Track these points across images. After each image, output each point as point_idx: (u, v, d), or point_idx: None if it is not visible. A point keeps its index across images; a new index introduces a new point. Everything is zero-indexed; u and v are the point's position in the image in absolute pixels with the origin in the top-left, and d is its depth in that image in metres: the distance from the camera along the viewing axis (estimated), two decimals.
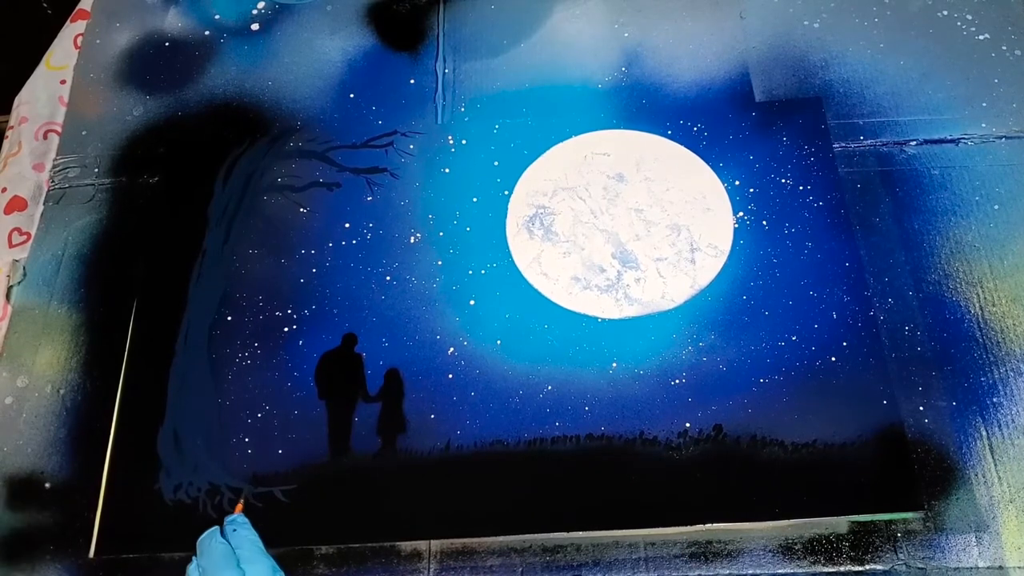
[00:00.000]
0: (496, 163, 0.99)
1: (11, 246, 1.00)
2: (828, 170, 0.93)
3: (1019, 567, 0.75)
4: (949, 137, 0.95)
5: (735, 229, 0.92)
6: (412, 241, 0.95)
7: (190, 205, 1.00)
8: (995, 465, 0.79)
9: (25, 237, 1.01)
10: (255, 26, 1.14)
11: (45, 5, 1.48)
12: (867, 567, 0.76)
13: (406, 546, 0.82)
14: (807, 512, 0.77)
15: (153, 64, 1.12)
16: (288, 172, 1.01)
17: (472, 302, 0.90)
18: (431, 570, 0.80)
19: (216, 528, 0.72)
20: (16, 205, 1.03)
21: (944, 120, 0.96)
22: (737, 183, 0.94)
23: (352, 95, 1.06)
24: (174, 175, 1.03)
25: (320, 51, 1.11)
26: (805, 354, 0.84)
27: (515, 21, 1.10)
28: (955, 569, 0.76)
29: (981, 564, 0.75)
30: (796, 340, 0.85)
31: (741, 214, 0.92)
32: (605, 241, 0.93)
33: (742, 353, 0.85)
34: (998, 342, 0.84)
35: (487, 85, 1.05)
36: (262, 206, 0.99)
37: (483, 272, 0.92)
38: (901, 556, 0.76)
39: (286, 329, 0.91)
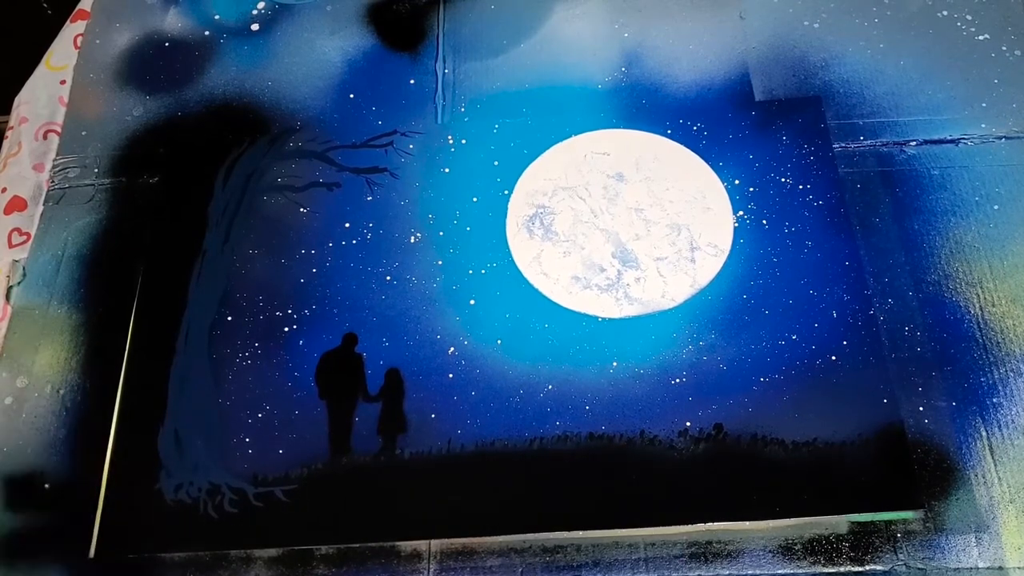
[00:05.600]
0: (496, 163, 0.99)
1: (11, 246, 1.00)
2: (828, 169, 0.93)
3: (1019, 567, 0.75)
4: (949, 137, 0.95)
5: (735, 228, 0.92)
6: (412, 241, 0.95)
7: (190, 205, 1.00)
8: (995, 465, 0.79)
9: (25, 237, 1.01)
10: (255, 26, 1.14)
11: (45, 5, 1.48)
12: (867, 567, 0.76)
13: (406, 546, 0.82)
14: (807, 511, 0.77)
15: (153, 64, 1.12)
16: (288, 172, 1.01)
17: (472, 302, 0.90)
18: (431, 570, 0.80)
19: None
20: (16, 205, 1.03)
21: (944, 120, 0.96)
22: (737, 182, 0.94)
23: (352, 95, 1.06)
24: (174, 175, 1.02)
25: (320, 51, 1.11)
26: (805, 353, 0.84)
27: (515, 21, 1.10)
28: (955, 569, 0.75)
29: (981, 564, 0.75)
30: (796, 339, 0.85)
31: (741, 213, 0.92)
32: (605, 240, 0.93)
33: (742, 352, 0.85)
34: (998, 342, 0.84)
35: (487, 85, 1.05)
36: (262, 206, 0.99)
37: (483, 272, 0.92)
38: (901, 556, 0.76)
39: (286, 329, 0.91)
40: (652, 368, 0.85)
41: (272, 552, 0.82)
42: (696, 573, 0.78)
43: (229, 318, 0.92)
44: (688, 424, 0.82)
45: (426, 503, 0.81)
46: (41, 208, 1.03)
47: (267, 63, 1.11)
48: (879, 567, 0.76)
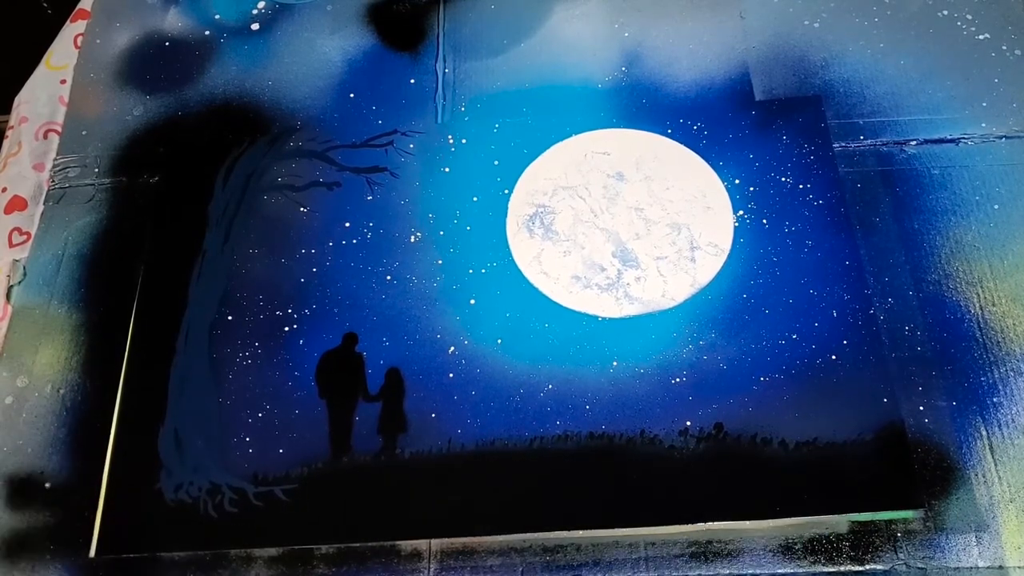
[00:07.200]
0: (496, 162, 0.99)
1: (11, 246, 1.00)
2: (828, 168, 0.93)
3: (1019, 567, 0.75)
4: (949, 137, 0.95)
5: (735, 228, 0.92)
6: (412, 240, 0.95)
7: (190, 205, 1.00)
8: (995, 465, 0.79)
9: (25, 237, 1.01)
10: (255, 26, 1.14)
11: (45, 5, 1.48)
12: (867, 567, 0.76)
13: (406, 546, 0.82)
14: (807, 510, 0.77)
15: (153, 64, 1.12)
16: (288, 172, 1.01)
17: (472, 301, 0.90)
18: (431, 570, 0.80)
19: None
20: (16, 205, 1.03)
21: (944, 120, 0.96)
22: (737, 182, 0.94)
23: (352, 95, 1.06)
24: (174, 175, 1.02)
25: (320, 51, 1.11)
26: (805, 352, 0.84)
27: (515, 21, 1.10)
28: (955, 569, 0.75)
29: (981, 564, 0.75)
30: (796, 338, 0.85)
31: (741, 213, 0.92)
32: (605, 240, 0.93)
33: (743, 351, 0.85)
34: (998, 342, 0.84)
35: (487, 85, 1.05)
36: (262, 206, 0.99)
37: (483, 271, 0.92)
38: (901, 556, 0.76)
39: (287, 328, 0.91)
40: (652, 367, 0.85)
41: (272, 552, 0.82)
42: (696, 573, 0.78)
43: (229, 318, 0.92)
44: (688, 423, 0.82)
45: (426, 503, 0.81)
46: (41, 208, 1.03)
47: (267, 63, 1.11)
48: (879, 566, 0.76)
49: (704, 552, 0.79)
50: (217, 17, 1.16)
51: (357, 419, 0.86)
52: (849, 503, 0.77)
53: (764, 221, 0.91)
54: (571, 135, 0.99)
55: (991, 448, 0.79)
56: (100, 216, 1.01)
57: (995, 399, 0.81)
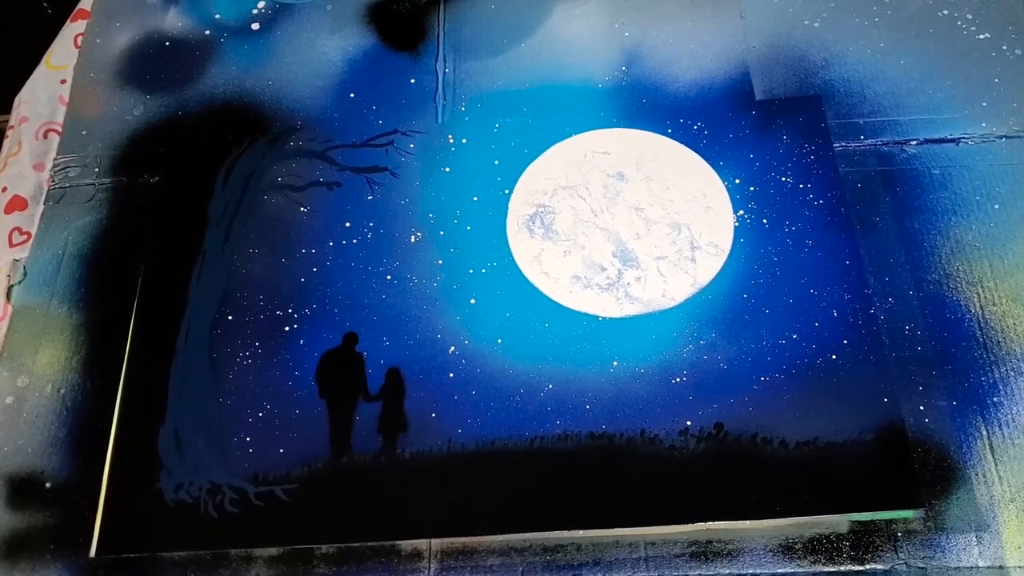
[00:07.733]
0: (496, 162, 0.99)
1: (11, 246, 1.00)
2: (828, 168, 0.93)
3: (1019, 567, 0.75)
4: (949, 137, 0.95)
5: (735, 227, 0.92)
6: (413, 240, 0.95)
7: (190, 205, 1.00)
8: (995, 464, 0.79)
9: (25, 237, 1.01)
10: (255, 26, 1.14)
11: (45, 5, 1.48)
12: (867, 567, 0.76)
13: (406, 545, 0.82)
14: (808, 510, 0.77)
15: (153, 64, 1.12)
16: (288, 172, 1.01)
17: (473, 301, 0.90)
18: (431, 570, 0.80)
19: None
20: (16, 205, 1.03)
21: (944, 120, 0.96)
22: (737, 181, 0.94)
23: (352, 95, 1.06)
24: (174, 175, 1.02)
25: (320, 51, 1.11)
26: (806, 352, 0.84)
27: (515, 21, 1.10)
28: (955, 569, 0.75)
29: (981, 564, 0.75)
30: (797, 338, 0.85)
31: (741, 212, 0.93)
32: (605, 240, 0.93)
33: (743, 351, 0.85)
34: (998, 341, 0.84)
35: (487, 84, 1.05)
36: (262, 206, 0.99)
37: (484, 271, 0.92)
38: (901, 556, 0.76)
39: (287, 328, 0.91)
40: (653, 367, 0.85)
41: (272, 551, 0.82)
42: (696, 572, 0.78)
43: (229, 317, 0.92)
44: (689, 423, 0.82)
45: (426, 502, 0.81)
46: (41, 207, 1.03)
47: (267, 63, 1.11)
48: (879, 566, 0.76)
49: (704, 552, 0.79)
50: (217, 17, 1.16)
51: (357, 419, 0.86)
52: (849, 503, 0.77)
53: (764, 221, 0.92)
54: (571, 135, 0.99)
55: (991, 448, 0.79)
56: (100, 216, 1.01)
57: (995, 399, 0.81)
